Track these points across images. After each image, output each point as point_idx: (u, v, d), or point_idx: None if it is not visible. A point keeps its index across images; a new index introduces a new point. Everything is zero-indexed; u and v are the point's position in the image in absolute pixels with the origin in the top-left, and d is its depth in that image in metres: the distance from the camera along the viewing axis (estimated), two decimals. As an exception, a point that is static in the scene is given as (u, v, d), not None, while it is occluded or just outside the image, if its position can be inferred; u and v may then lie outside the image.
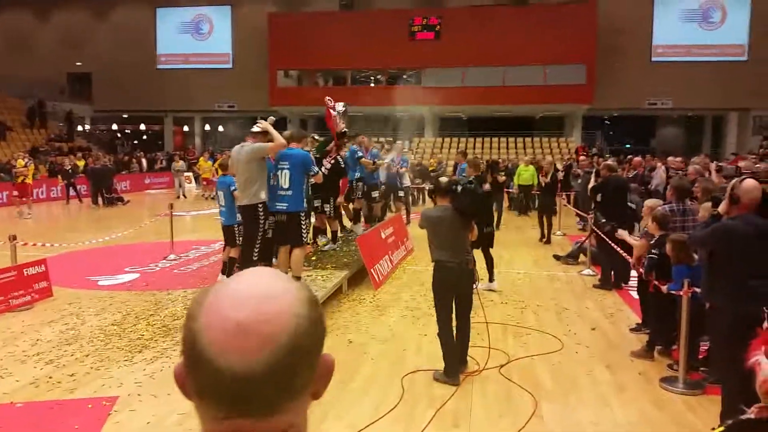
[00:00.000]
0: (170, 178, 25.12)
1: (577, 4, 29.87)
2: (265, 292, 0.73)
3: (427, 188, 5.62)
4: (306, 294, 0.77)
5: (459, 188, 4.89)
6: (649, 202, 6.39)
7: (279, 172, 6.44)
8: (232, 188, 7.16)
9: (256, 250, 6.53)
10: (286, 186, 6.41)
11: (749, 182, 3.81)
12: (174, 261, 9.76)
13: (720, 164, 10.50)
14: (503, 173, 13.89)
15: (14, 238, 7.20)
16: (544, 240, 11.92)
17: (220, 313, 0.71)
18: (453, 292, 4.94)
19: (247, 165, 6.34)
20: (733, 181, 3.92)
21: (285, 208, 6.44)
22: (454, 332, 5.00)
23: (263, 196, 6.41)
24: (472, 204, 4.96)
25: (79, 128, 32.15)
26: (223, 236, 7.84)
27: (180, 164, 23.01)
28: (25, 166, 16.30)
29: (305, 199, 6.69)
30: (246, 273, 0.78)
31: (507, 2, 31.00)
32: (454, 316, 5.00)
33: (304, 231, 6.54)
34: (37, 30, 35.43)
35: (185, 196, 22.16)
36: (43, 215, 17.39)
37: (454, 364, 4.88)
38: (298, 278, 6.43)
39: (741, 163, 10.00)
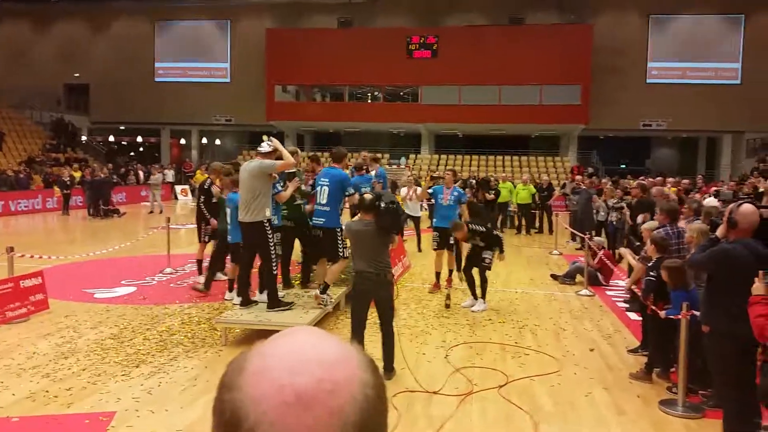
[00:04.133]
0: (166, 191, 24.95)
1: (573, 24, 30.23)
2: (326, 355, 0.62)
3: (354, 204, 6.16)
4: (366, 357, 0.65)
5: (382, 206, 5.17)
6: (647, 225, 6.44)
7: (319, 189, 6.82)
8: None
9: (274, 265, 6.56)
10: (324, 202, 6.80)
11: (747, 206, 3.86)
12: (170, 275, 9.72)
13: (717, 189, 10.69)
14: (493, 192, 14.02)
15: (12, 249, 7.18)
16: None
17: (273, 380, 0.59)
18: (368, 301, 5.25)
19: (251, 180, 6.33)
20: (731, 205, 3.96)
21: (322, 223, 6.82)
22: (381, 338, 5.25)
23: (268, 213, 6.40)
24: (392, 222, 5.29)
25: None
26: (230, 253, 7.88)
27: (156, 177, 21.31)
28: None
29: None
30: (292, 332, 0.67)
31: (503, 22, 31.35)
32: (378, 323, 5.27)
33: (341, 246, 6.81)
34: (35, 41, 35.49)
35: (155, 211, 20.49)
36: (39, 226, 17.31)
37: None
38: (326, 285, 6.64)
39: (761, 187, 10.31)
